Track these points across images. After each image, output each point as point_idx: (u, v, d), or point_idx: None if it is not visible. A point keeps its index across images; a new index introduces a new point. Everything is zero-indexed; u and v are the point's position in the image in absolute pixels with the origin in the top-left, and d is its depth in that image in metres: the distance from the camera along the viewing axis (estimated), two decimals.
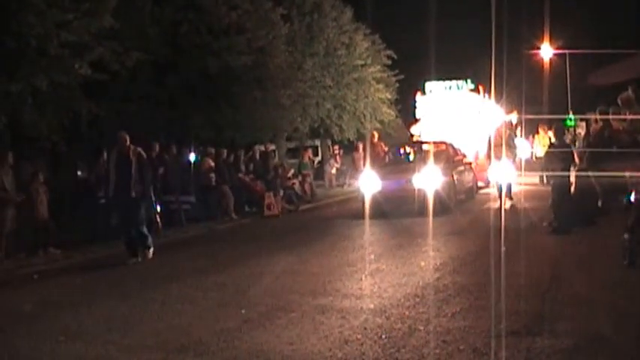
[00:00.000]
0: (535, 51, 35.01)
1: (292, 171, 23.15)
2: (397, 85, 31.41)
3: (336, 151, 30.51)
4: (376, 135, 24.44)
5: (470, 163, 21.20)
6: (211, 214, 18.31)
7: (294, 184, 22.35)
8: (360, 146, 26.42)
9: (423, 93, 26.38)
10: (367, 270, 10.22)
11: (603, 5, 34.75)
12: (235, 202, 18.76)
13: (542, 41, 34.79)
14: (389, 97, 30.75)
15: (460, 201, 18.63)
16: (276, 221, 18.41)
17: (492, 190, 19.31)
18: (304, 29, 26.04)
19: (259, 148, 22.73)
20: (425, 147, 20.52)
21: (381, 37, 30.70)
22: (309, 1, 26.47)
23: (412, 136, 25.59)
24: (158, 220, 16.15)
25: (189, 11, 18.80)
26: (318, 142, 32.44)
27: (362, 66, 29.25)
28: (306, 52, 25.97)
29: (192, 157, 18.84)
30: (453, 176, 18.15)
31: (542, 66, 35.97)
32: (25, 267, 12.34)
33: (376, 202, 16.88)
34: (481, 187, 22.08)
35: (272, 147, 26.25)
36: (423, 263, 10.64)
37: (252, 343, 6.74)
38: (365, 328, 7.01)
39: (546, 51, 35.04)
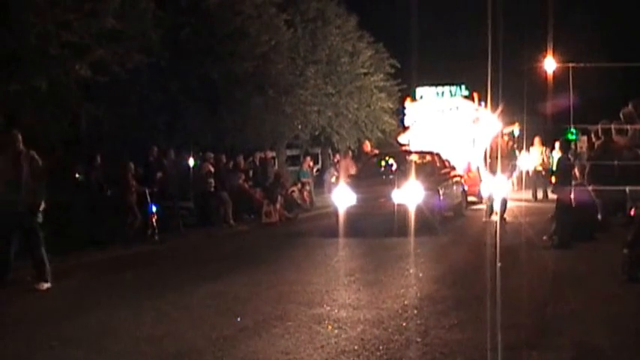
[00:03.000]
0: (538, 64, 35.04)
1: (290, 179, 23.01)
2: (399, 94, 31.40)
3: (337, 160, 30.38)
4: (368, 145, 23.74)
5: (460, 176, 19.72)
6: (210, 221, 18.26)
7: (293, 191, 22.32)
8: (350, 154, 24.73)
9: (413, 99, 25.31)
10: (365, 280, 10.17)
11: (608, 18, 34.88)
12: (234, 209, 18.71)
13: (545, 54, 34.84)
14: (391, 106, 30.76)
15: (447, 218, 17.31)
16: (275, 229, 18.38)
17: (485, 206, 17.99)
18: (307, 36, 26.06)
19: (259, 154, 22.67)
20: (408, 158, 18.93)
21: (384, 46, 30.74)
22: (313, 8, 26.50)
23: (401, 145, 24.43)
24: (154, 224, 16.15)
25: (192, 15, 18.79)
26: (318, 150, 32.41)
27: (364, 74, 29.35)
28: (308, 59, 25.98)
29: (191, 162, 18.79)
30: (438, 191, 16.57)
31: (546, 79, 36.02)
32: (19, 270, 12.22)
33: (349, 220, 15.62)
34: (472, 203, 20.88)
35: (272, 154, 26.14)
36: (421, 275, 10.59)
37: (248, 352, 6.70)
38: (362, 339, 6.96)
39: (549, 64, 35.09)
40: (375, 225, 15.05)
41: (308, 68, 25.73)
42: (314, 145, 30.34)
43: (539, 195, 23.17)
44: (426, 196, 15.55)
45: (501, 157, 16.65)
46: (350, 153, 24.70)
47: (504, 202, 16.76)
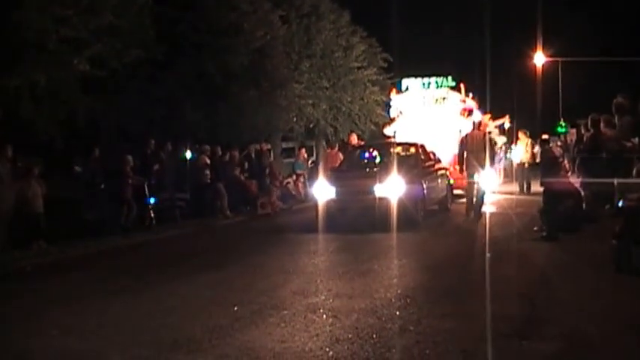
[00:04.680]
0: (528, 58, 35.20)
1: (281, 172, 22.99)
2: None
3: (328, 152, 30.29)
4: (355, 137, 23.25)
5: (445, 169, 18.95)
6: (206, 212, 18.38)
7: (288, 183, 22.45)
8: (337, 146, 23.86)
9: (399, 91, 24.84)
10: (358, 270, 10.24)
11: (599, 14, 35.02)
12: (230, 200, 18.81)
13: (535, 48, 34.97)
14: (384, 99, 30.79)
15: (432, 212, 16.86)
16: (270, 220, 18.48)
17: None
18: (302, 31, 26.11)
19: (255, 147, 22.76)
20: (392, 150, 17.96)
21: (377, 41, 30.81)
22: (307, 4, 26.54)
23: (387, 137, 23.82)
24: (152, 215, 16.29)
25: (189, 10, 18.86)
26: (313, 143, 32.44)
27: (358, 68, 29.36)
28: (303, 53, 26.04)
29: (187, 154, 18.90)
30: (422, 184, 15.82)
31: (535, 72, 36.18)
32: (19, 260, 12.39)
33: (329, 214, 15.11)
34: (459, 196, 19.64)
35: (267, 146, 26.14)
36: (413, 265, 10.70)
37: (244, 341, 6.77)
38: (356, 328, 7.04)
39: (539, 58, 35.24)
40: (355, 219, 14.64)
41: (302, 62, 25.80)
42: (309, 137, 30.35)
43: (533, 187, 23.16)
44: (409, 189, 14.98)
45: (477, 150, 16.14)
46: (337, 145, 24.30)
47: (482, 196, 16.26)
